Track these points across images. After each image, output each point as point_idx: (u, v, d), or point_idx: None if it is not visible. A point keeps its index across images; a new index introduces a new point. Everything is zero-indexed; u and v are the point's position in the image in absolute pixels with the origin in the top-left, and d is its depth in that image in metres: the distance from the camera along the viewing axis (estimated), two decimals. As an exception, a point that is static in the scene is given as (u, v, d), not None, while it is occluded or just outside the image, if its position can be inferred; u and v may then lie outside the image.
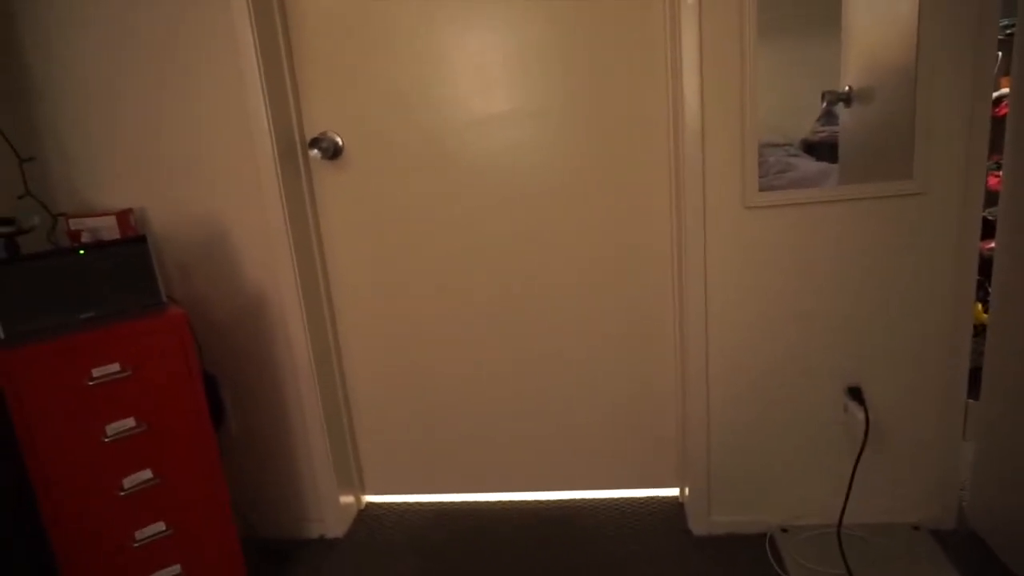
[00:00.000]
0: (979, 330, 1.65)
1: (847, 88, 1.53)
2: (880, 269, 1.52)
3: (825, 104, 1.56)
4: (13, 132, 1.62)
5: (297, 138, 1.72)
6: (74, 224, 1.60)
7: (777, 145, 1.56)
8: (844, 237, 1.51)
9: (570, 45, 1.61)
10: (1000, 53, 1.83)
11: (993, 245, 1.59)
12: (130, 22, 1.59)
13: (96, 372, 1.30)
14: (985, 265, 1.58)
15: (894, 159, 1.47)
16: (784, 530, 1.69)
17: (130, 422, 1.35)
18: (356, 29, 1.65)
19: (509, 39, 1.63)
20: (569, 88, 1.64)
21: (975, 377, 1.59)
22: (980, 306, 2.13)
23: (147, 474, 1.39)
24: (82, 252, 1.35)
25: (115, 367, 1.32)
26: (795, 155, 1.59)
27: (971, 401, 1.60)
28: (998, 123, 1.51)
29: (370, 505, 2.03)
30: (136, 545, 1.40)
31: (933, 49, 1.39)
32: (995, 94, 1.61)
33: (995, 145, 1.50)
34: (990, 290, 1.72)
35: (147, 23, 1.59)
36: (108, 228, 1.60)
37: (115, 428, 1.33)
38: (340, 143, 1.72)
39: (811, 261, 1.54)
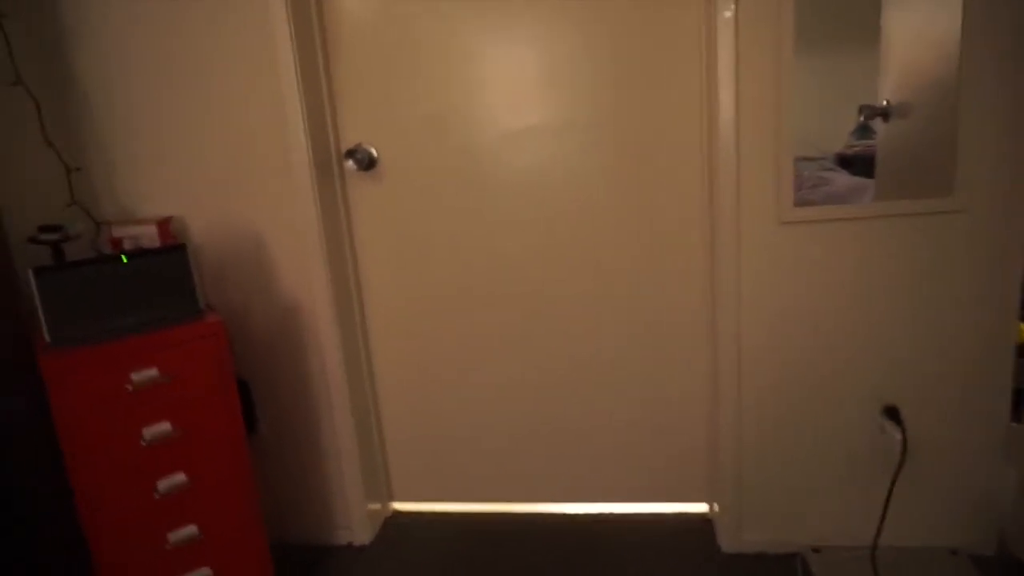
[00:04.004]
0: (1022, 350, 1.61)
1: (885, 103, 1.51)
2: (919, 287, 1.49)
3: (862, 118, 1.54)
4: (62, 143, 1.68)
5: (333, 150, 1.74)
6: (116, 232, 1.65)
7: (811, 159, 1.54)
8: (882, 254, 1.49)
9: (603, 60, 1.62)
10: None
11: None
12: (174, 39, 1.64)
13: (135, 377, 1.33)
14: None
15: (933, 175, 1.45)
16: (816, 551, 1.65)
17: (166, 426, 1.38)
18: (392, 44, 1.68)
19: (542, 55, 1.64)
20: (601, 102, 1.64)
21: (1019, 400, 1.54)
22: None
23: (181, 477, 1.41)
24: (124, 259, 1.39)
25: (154, 372, 1.35)
26: (830, 169, 1.57)
27: (1014, 425, 1.55)
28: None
29: (397, 513, 2.05)
30: (168, 547, 1.42)
31: (976, 63, 1.36)
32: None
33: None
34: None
35: (190, 39, 1.63)
36: (148, 236, 1.64)
37: (152, 432, 1.37)
38: (375, 154, 1.75)
39: (847, 278, 1.51)
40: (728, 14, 1.42)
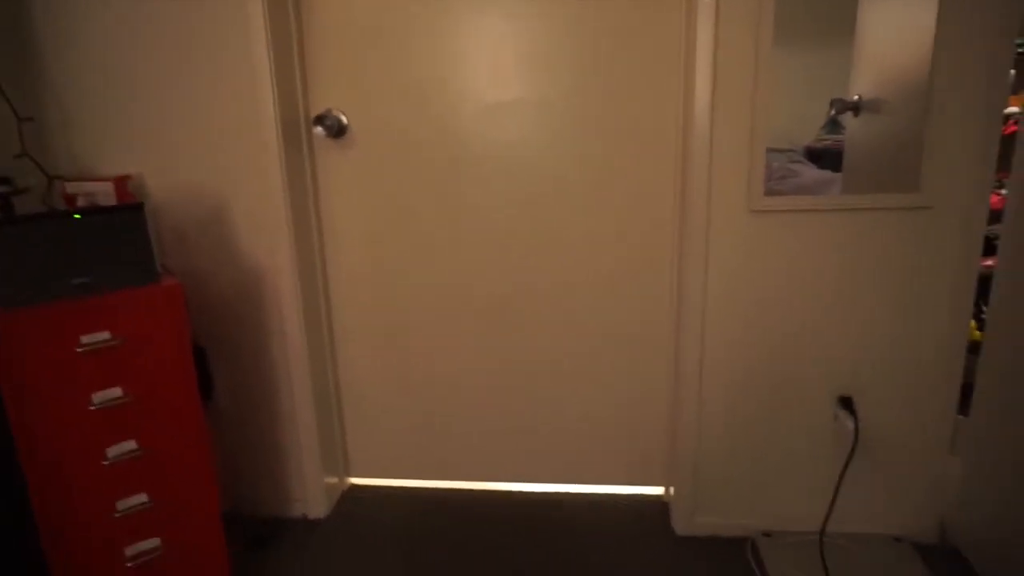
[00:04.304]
0: (971, 347, 1.66)
1: (856, 97, 1.53)
2: (880, 280, 1.52)
3: (833, 112, 1.56)
4: (13, 91, 1.59)
5: (302, 114, 1.69)
6: (70, 188, 1.58)
7: (780, 151, 1.55)
8: (847, 246, 1.51)
9: (584, 40, 1.60)
10: (1013, 71, 1.82)
11: (990, 263, 1.59)
12: (137, -15, 1.56)
13: (85, 339, 1.28)
14: (981, 282, 1.58)
15: (900, 171, 1.47)
16: (767, 535, 1.69)
17: (117, 391, 1.33)
18: (367, 7, 1.63)
19: (523, 29, 1.61)
20: (580, 82, 1.63)
21: (966, 393, 1.59)
22: (973, 323, 2.13)
23: (132, 444, 1.37)
24: (77, 216, 1.33)
25: (105, 335, 1.30)
26: (798, 161, 1.59)
27: (960, 417, 1.60)
28: (1003, 142, 1.51)
29: (354, 487, 2.03)
30: (117, 515, 1.38)
31: (948, 63, 1.38)
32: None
33: (998, 163, 1.50)
34: (985, 308, 1.72)
35: (155, -13, 1.56)
36: (105, 194, 1.58)
37: (101, 397, 1.32)
38: (345, 122, 1.70)
39: (812, 268, 1.53)
40: (708, 1, 1.41)
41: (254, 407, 1.83)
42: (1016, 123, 2.05)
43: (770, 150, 1.50)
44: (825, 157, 1.57)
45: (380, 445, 1.99)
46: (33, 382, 1.26)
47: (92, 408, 1.31)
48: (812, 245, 1.52)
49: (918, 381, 1.57)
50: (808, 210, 1.49)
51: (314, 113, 1.69)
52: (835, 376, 1.59)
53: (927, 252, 1.49)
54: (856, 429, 1.54)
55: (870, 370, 1.58)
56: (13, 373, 1.24)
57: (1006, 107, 1.54)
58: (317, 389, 1.81)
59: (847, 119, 1.54)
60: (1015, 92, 2.29)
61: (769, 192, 1.50)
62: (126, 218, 1.37)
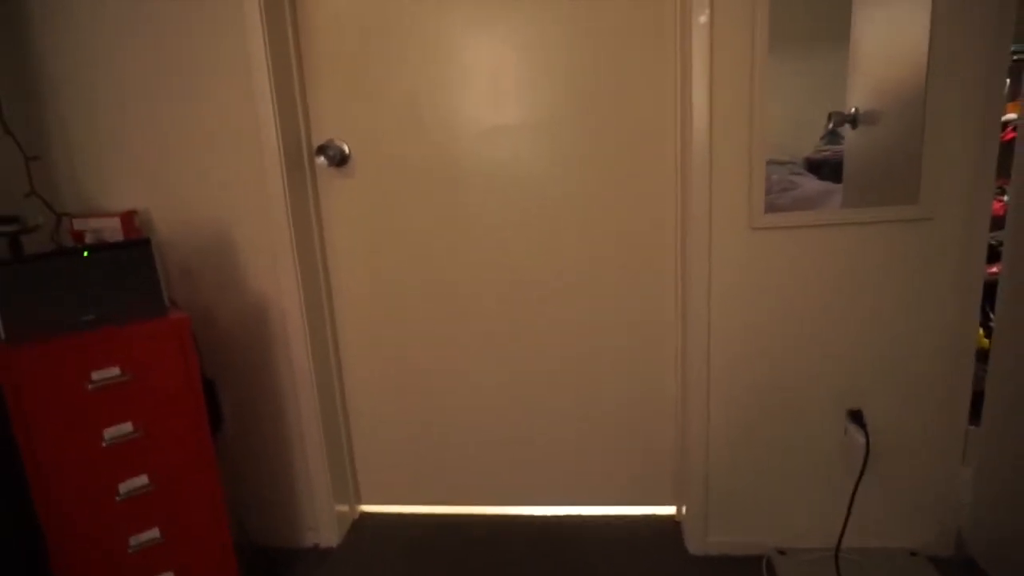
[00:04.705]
0: (980, 355, 1.65)
1: (853, 110, 1.53)
2: (884, 293, 1.52)
3: (831, 125, 1.56)
4: (21, 130, 1.62)
5: (304, 145, 1.71)
6: (78, 224, 1.60)
7: (780, 163, 1.56)
8: (849, 260, 1.51)
9: (580, 59, 1.62)
10: (1008, 79, 1.83)
11: (996, 270, 1.59)
12: (141, 24, 1.59)
13: (96, 375, 1.29)
14: (987, 290, 1.58)
15: (900, 183, 1.47)
16: (781, 552, 1.68)
17: (128, 427, 1.34)
18: (366, 38, 1.66)
19: (520, 52, 1.63)
20: (576, 103, 1.64)
21: (977, 403, 1.59)
22: (981, 331, 2.13)
23: (143, 479, 1.38)
24: (86, 253, 1.34)
25: (115, 371, 1.31)
26: (798, 173, 1.59)
27: (972, 427, 1.59)
28: (1003, 148, 1.52)
29: (365, 515, 2.02)
30: (130, 551, 1.38)
31: (943, 74, 1.39)
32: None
33: (999, 170, 1.50)
34: (992, 315, 1.72)
35: (158, 25, 1.59)
36: (112, 229, 1.60)
37: (112, 433, 1.32)
38: (346, 151, 1.72)
39: (815, 283, 1.54)
40: (703, 19, 1.43)
41: (263, 437, 1.83)
42: (1014, 129, 2.05)
43: (770, 162, 1.51)
44: (825, 168, 1.57)
45: (390, 472, 1.98)
46: (45, 421, 1.27)
47: (104, 444, 1.32)
48: (814, 259, 1.52)
49: (928, 392, 1.56)
50: (809, 225, 1.50)
51: (316, 143, 1.71)
52: (843, 389, 1.59)
53: (929, 263, 1.49)
54: (867, 442, 1.53)
55: (878, 382, 1.57)
56: (25, 412, 1.25)
57: (1003, 114, 1.55)
58: (326, 417, 1.82)
59: (845, 130, 1.55)
60: (1012, 99, 2.30)
61: (770, 205, 1.51)
62: (134, 254, 1.38)
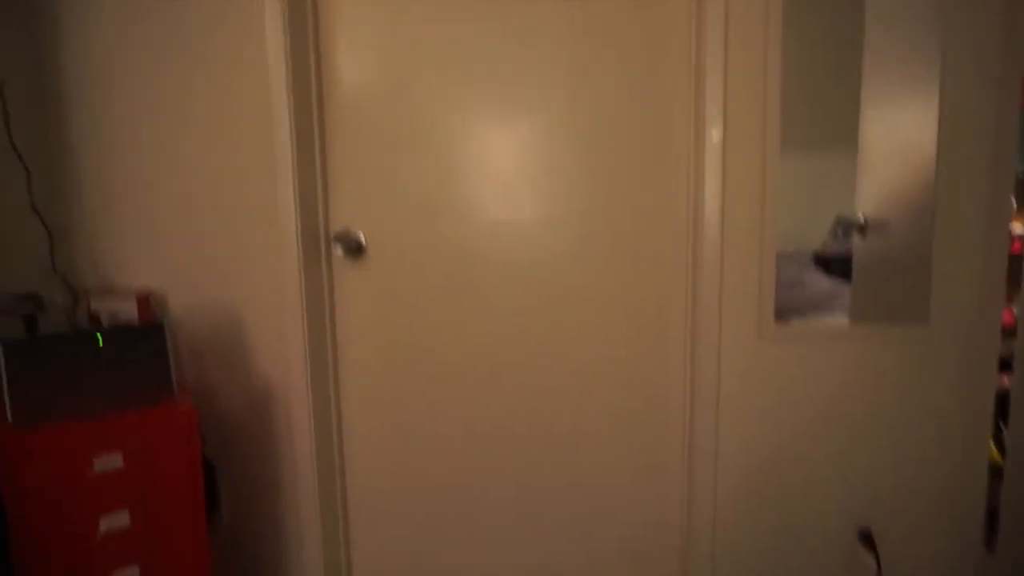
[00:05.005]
0: (995, 470, 1.62)
1: (862, 219, 1.56)
2: (893, 406, 1.51)
3: (839, 233, 1.58)
4: (48, 209, 1.66)
5: (322, 233, 1.74)
6: (94, 303, 1.62)
7: (789, 256, 1.57)
8: (858, 374, 1.50)
9: (594, 160, 1.66)
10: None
11: (1007, 381, 1.58)
12: (173, 115, 1.65)
13: (98, 463, 1.28)
14: (999, 400, 1.56)
15: (909, 299, 1.48)
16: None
17: (124, 517, 1.32)
18: (387, 132, 1.70)
19: (535, 148, 1.67)
20: (591, 200, 1.67)
21: (992, 520, 1.54)
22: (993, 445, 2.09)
23: (135, 571, 1.34)
24: (99, 337, 1.36)
25: (117, 458, 1.30)
26: (807, 268, 1.60)
27: (986, 552, 1.54)
28: (1011, 260, 1.52)
29: (358, 609, 1.95)
30: (115, 646, 1.34)
31: (950, 187, 1.42)
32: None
33: (1007, 281, 1.50)
34: (1004, 428, 1.69)
35: (189, 115, 1.65)
36: (127, 310, 1.61)
37: (109, 523, 1.30)
38: (362, 240, 1.75)
39: (824, 395, 1.52)
40: (716, 136, 1.48)
41: (259, 526, 1.79)
42: (1022, 241, 2.08)
43: (779, 255, 1.52)
44: (834, 265, 1.58)
45: (388, 571, 1.91)
46: (42, 507, 1.25)
47: (100, 534, 1.29)
48: (824, 371, 1.51)
49: (939, 511, 1.52)
50: (819, 338, 1.50)
51: (333, 232, 1.75)
52: (855, 506, 1.55)
53: (940, 377, 1.48)
54: (878, 565, 1.48)
55: (888, 501, 1.54)
56: (22, 497, 1.23)
57: (1012, 230, 1.57)
58: (324, 513, 1.77)
59: (855, 238, 1.56)
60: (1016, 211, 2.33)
61: (779, 305, 1.51)
62: (147, 339, 1.40)
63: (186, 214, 1.69)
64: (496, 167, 1.70)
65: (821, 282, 1.60)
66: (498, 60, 1.65)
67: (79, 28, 1.64)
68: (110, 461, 1.30)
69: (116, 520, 1.31)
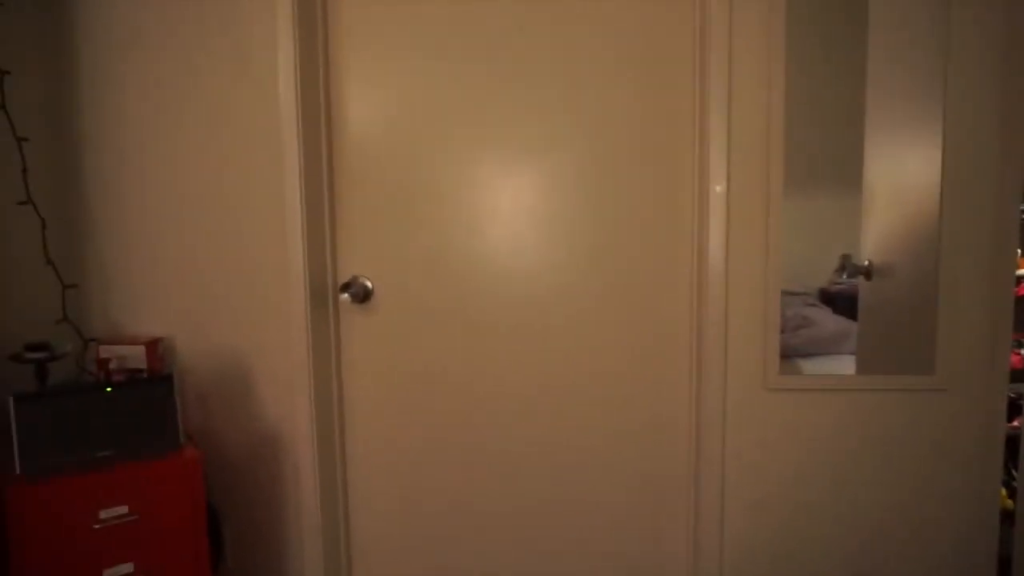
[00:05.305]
0: (1005, 515, 1.59)
1: (867, 263, 1.56)
2: (900, 457, 1.49)
3: (845, 276, 1.58)
4: (62, 260, 1.69)
5: (330, 282, 1.76)
6: (103, 351, 1.64)
7: (795, 294, 1.57)
8: (864, 425, 1.50)
9: (600, 212, 1.67)
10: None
11: (1016, 423, 1.56)
12: (188, 165, 1.69)
13: (104, 514, 1.29)
14: (1008, 445, 1.54)
15: (915, 348, 1.48)
16: None
17: (128, 568, 1.32)
18: (395, 180, 1.73)
19: (541, 199, 1.70)
20: (596, 252, 1.69)
21: (1004, 569, 1.51)
22: (1004, 491, 2.06)
23: (138, 624, 1.34)
24: (108, 390, 1.37)
25: (123, 510, 1.31)
26: (813, 305, 1.60)
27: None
28: (1017, 301, 1.52)
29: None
30: None
31: (955, 233, 1.42)
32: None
33: (1014, 324, 1.50)
34: (1015, 474, 1.67)
35: (202, 165, 1.69)
36: (135, 357, 1.63)
37: (113, 574, 1.30)
38: (370, 287, 1.77)
39: (829, 446, 1.51)
40: (719, 189, 1.50)
41: (263, 573, 1.78)
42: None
43: (785, 293, 1.52)
44: (840, 301, 1.58)
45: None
46: (48, 558, 1.25)
47: (102, 587, 1.30)
48: (829, 421, 1.51)
49: (952, 563, 1.50)
50: (824, 389, 1.49)
51: (341, 280, 1.77)
52: (860, 560, 1.53)
53: (948, 427, 1.47)
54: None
55: (897, 552, 1.51)
56: (26, 547, 1.23)
57: (1016, 274, 1.56)
58: (328, 559, 1.76)
59: (860, 281, 1.56)
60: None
61: (784, 346, 1.50)
62: (155, 391, 1.41)
63: (197, 265, 1.72)
64: (504, 219, 1.72)
65: (827, 320, 1.59)
66: (506, 109, 1.68)
67: (100, 87, 1.70)
68: (116, 512, 1.30)
69: (120, 571, 1.31)
